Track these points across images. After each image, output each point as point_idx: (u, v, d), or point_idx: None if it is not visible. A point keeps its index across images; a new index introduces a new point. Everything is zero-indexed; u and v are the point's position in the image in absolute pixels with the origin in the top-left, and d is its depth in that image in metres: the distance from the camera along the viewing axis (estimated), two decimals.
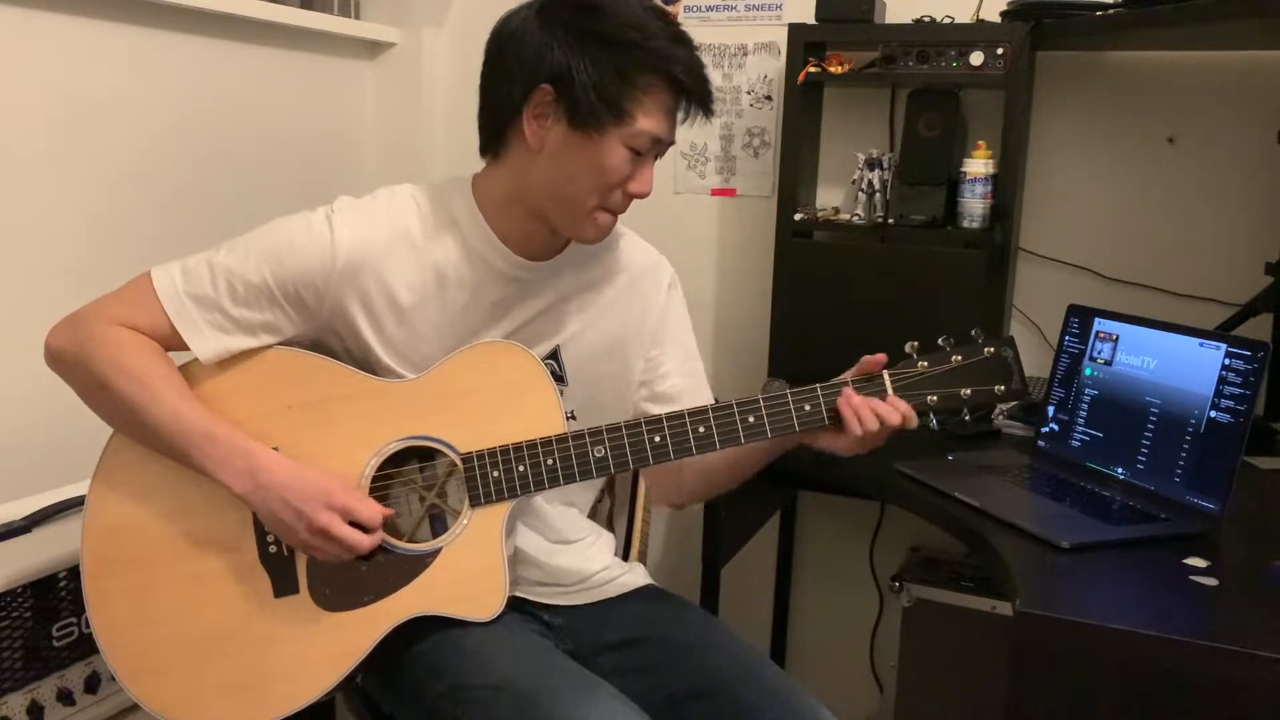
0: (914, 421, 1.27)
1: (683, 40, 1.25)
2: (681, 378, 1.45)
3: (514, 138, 1.28)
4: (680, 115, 1.28)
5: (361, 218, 1.28)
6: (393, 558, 1.25)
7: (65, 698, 1.41)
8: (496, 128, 1.29)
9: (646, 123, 1.23)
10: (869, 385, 1.28)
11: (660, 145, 1.27)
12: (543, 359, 1.33)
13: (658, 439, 1.26)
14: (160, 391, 1.22)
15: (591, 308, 1.38)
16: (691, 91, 1.25)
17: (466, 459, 1.26)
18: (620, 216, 1.39)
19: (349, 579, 1.24)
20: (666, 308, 1.44)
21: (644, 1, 1.26)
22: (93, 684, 1.44)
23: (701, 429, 1.25)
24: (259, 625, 1.24)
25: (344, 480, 1.24)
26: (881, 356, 1.29)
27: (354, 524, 1.21)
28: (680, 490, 1.49)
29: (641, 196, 1.29)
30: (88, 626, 1.42)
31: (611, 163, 1.24)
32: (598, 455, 1.26)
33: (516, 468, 1.25)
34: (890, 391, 1.27)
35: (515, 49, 1.25)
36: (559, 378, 1.35)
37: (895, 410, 1.25)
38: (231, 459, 1.20)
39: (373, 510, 1.22)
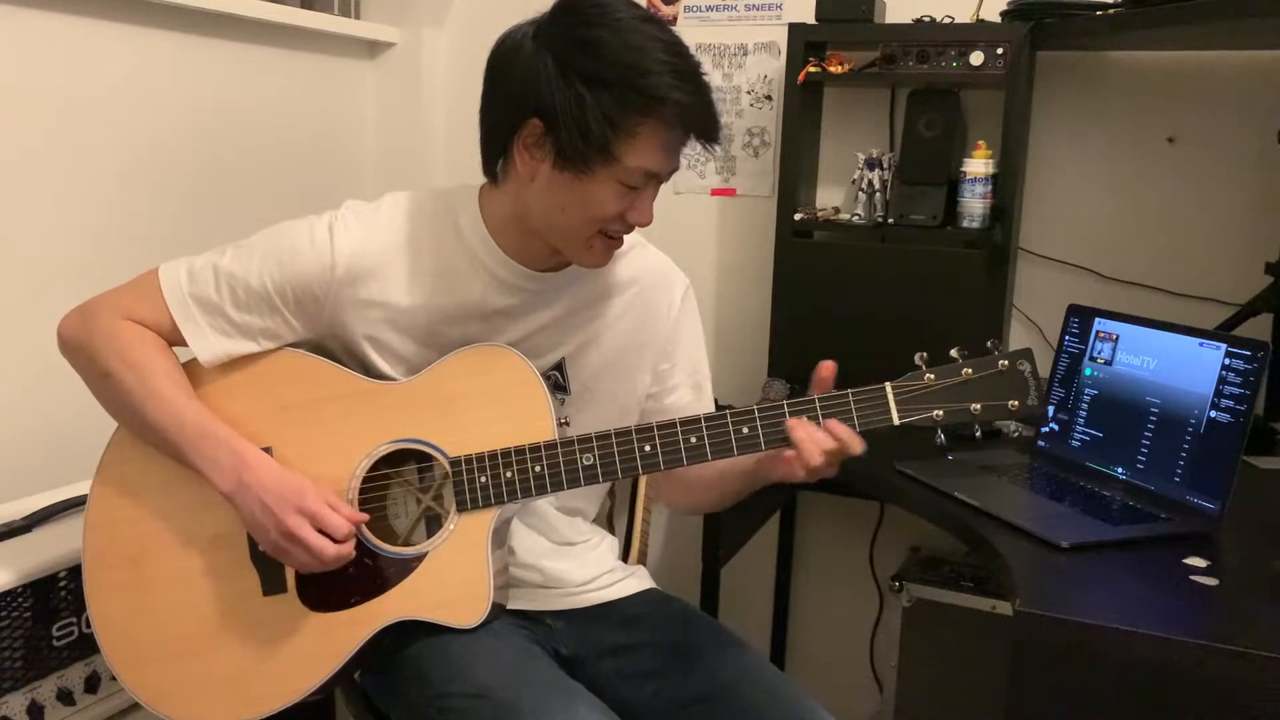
0: (856, 448, 1.17)
1: (683, 72, 1.16)
2: (689, 391, 1.42)
3: (509, 164, 1.24)
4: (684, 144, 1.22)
5: (365, 226, 1.27)
6: (379, 560, 1.24)
7: (65, 697, 1.41)
8: (493, 153, 1.25)
9: (638, 160, 1.17)
10: (821, 405, 1.18)
11: (659, 177, 1.22)
12: (548, 370, 1.32)
13: (648, 448, 1.21)
14: (160, 387, 1.22)
15: (599, 319, 1.36)
16: (689, 130, 1.19)
17: (455, 463, 1.24)
18: None
19: (336, 580, 1.24)
20: (678, 320, 1.41)
21: (648, 28, 1.17)
22: (93, 684, 1.44)
23: (693, 439, 1.20)
24: (247, 623, 1.25)
25: (331, 485, 1.23)
26: (828, 368, 1.20)
27: (326, 532, 1.19)
28: (686, 498, 1.46)
29: (642, 225, 1.24)
30: (88, 626, 1.43)
31: (602, 199, 1.19)
32: (586, 463, 1.22)
33: (504, 474, 1.23)
34: (823, 416, 1.18)
35: (508, 75, 1.20)
36: (563, 388, 1.34)
37: (831, 438, 1.16)
38: (221, 457, 1.20)
39: (339, 521, 1.19)
